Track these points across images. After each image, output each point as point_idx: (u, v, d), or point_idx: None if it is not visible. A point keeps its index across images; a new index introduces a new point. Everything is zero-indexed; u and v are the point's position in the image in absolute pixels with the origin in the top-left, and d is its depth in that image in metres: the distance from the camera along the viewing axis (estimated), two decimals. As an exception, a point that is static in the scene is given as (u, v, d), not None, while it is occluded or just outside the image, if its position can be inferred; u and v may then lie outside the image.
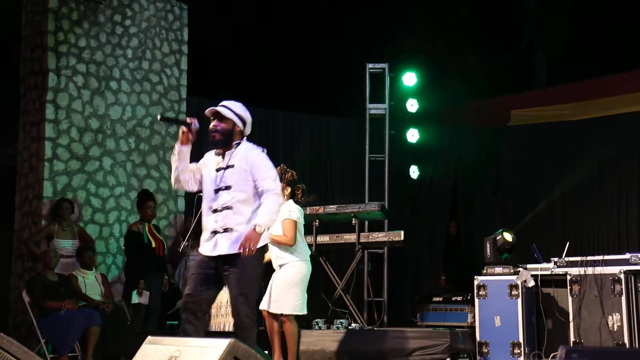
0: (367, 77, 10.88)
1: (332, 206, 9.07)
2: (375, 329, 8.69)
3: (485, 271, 8.64)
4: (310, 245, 7.91)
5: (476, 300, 8.55)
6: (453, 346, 7.92)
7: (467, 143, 11.69)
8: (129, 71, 9.76)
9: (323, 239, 8.96)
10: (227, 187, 5.03)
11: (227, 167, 5.09)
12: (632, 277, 7.84)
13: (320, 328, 8.31)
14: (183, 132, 5.15)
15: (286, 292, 6.62)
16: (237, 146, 5.15)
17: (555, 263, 8.35)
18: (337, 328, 8.27)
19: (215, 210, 5.05)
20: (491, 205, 11.37)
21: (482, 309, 8.49)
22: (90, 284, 8.33)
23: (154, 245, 8.53)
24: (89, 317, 7.85)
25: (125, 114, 9.68)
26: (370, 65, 10.88)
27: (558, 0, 11.70)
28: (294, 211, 6.81)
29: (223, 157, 5.14)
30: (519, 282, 8.35)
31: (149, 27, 9.96)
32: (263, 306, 6.69)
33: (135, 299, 8.24)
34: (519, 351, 8.22)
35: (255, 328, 5.09)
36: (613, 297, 7.84)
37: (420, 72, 11.22)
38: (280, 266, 6.71)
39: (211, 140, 5.15)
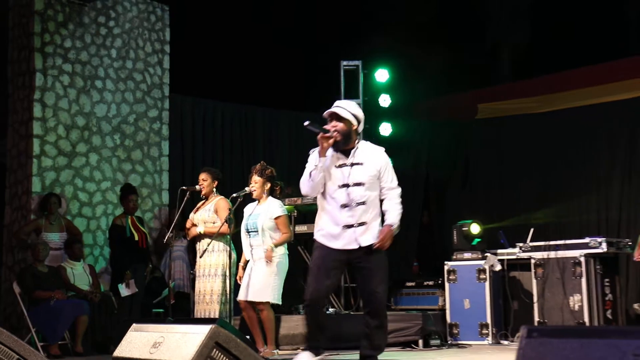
0: (342, 74, 10.90)
1: (310, 197, 9.07)
2: (352, 313, 8.72)
3: (454, 257, 8.72)
4: (290, 233, 7.93)
5: (446, 284, 8.64)
6: (425, 328, 8.00)
7: (438, 136, 11.72)
8: (113, 70, 9.71)
9: (301, 228, 8.95)
10: (359, 184, 5.02)
11: (354, 164, 5.06)
12: (592, 260, 7.96)
13: (300, 313, 8.33)
14: (325, 141, 5.01)
15: (270, 282, 6.62)
16: (358, 144, 5.15)
17: (520, 248, 8.45)
18: (316, 313, 8.29)
19: (346, 206, 5.01)
20: (461, 194, 11.42)
21: (452, 292, 8.59)
22: (78, 274, 8.30)
23: (136, 237, 8.50)
24: (77, 306, 7.83)
25: (110, 111, 9.63)
26: (345, 63, 10.89)
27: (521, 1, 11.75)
28: (283, 207, 6.85)
29: (346, 155, 5.10)
30: (486, 267, 8.43)
31: (132, 28, 9.91)
32: (241, 297, 6.68)
33: (122, 291, 8.21)
34: (486, 331, 8.31)
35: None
36: (574, 279, 7.96)
37: (392, 69, 11.23)
38: (264, 259, 6.67)
39: (332, 142, 5.02)
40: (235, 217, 6.87)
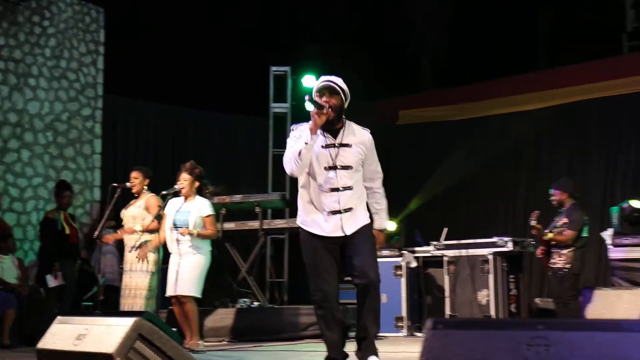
0: (271, 79, 10.93)
1: (237, 196, 9.03)
2: (275, 307, 8.71)
3: (373, 254, 8.78)
4: (217, 232, 7.88)
5: (365, 280, 8.69)
6: (344, 321, 8.00)
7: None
8: (47, 69, 9.48)
9: (229, 225, 8.90)
10: (346, 167, 4.36)
11: (342, 145, 4.37)
12: (499, 258, 8.13)
13: (226, 306, 8.30)
14: (319, 117, 4.25)
15: (197, 276, 6.56)
16: (345, 124, 4.44)
17: (434, 246, 8.57)
18: (241, 306, 8.27)
19: (332, 190, 4.35)
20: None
21: (371, 287, 8.64)
22: (6, 268, 8.04)
23: (67, 232, 8.32)
24: (5, 299, 7.59)
25: (43, 109, 9.41)
26: (274, 68, 10.92)
27: (441, 14, 11.94)
28: (212, 207, 6.78)
29: (334, 135, 4.38)
30: (403, 264, 8.53)
31: (67, 28, 9.70)
32: (170, 292, 6.58)
33: (49, 282, 8.02)
34: (402, 324, 8.42)
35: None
36: (482, 275, 8.11)
37: (319, 75, 11.26)
38: (191, 254, 6.58)
39: (326, 119, 4.27)
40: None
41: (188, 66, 10.61)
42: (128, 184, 6.99)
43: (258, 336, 7.70)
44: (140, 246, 6.69)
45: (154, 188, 7.18)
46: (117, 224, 7.40)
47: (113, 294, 8.69)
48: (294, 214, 9.49)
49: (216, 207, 7.74)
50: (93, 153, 9.85)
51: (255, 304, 8.43)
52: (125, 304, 6.63)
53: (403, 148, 11.47)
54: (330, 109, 4.28)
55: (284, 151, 11.12)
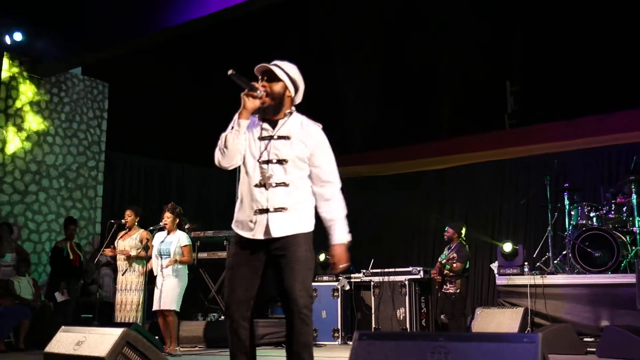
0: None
1: (210, 231, 8.97)
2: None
3: (316, 279, 8.75)
4: (193, 260, 7.78)
5: (309, 299, 8.62)
6: (252, 344, 7.87)
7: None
8: (62, 129, 9.36)
9: (202, 255, 8.82)
10: (281, 161, 3.06)
11: (280, 137, 3.09)
12: (413, 283, 8.18)
13: (198, 320, 8.15)
14: (250, 100, 3.04)
15: (178, 293, 6.47)
16: (289, 115, 3.17)
17: (363, 273, 8.58)
18: (211, 320, 8.13)
19: (262, 185, 3.05)
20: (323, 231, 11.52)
21: (314, 306, 8.57)
22: (23, 286, 7.83)
23: (72, 257, 8.18)
24: (21, 312, 7.40)
25: (57, 160, 9.26)
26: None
27: (370, 89, 12.11)
28: (189, 238, 6.72)
29: (272, 126, 3.13)
30: (339, 287, 8.52)
31: (79, 98, 9.62)
32: (156, 307, 6.47)
33: (57, 298, 7.83)
34: (337, 335, 8.36)
35: (311, 320, 3.04)
36: (400, 296, 8.14)
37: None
38: (172, 276, 6.49)
39: (260, 104, 3.07)
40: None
41: (172, 130, 10.55)
42: (123, 220, 6.91)
43: (224, 343, 7.55)
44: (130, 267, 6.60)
45: (143, 224, 7.09)
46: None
47: (108, 308, 8.49)
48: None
49: (193, 239, 7.66)
50: (96, 196, 9.69)
51: (223, 317, 8.30)
52: (119, 317, 6.50)
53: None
54: (265, 95, 3.07)
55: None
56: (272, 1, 6.87)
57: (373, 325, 8.23)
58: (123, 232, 6.90)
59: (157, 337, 6.66)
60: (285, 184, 3.06)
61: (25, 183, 8.87)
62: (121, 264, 6.74)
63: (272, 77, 3.11)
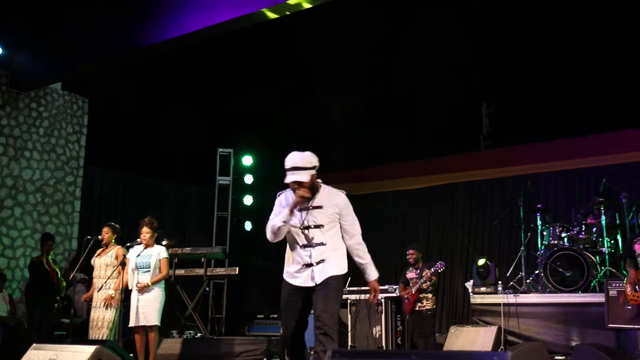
0: (218, 157, 10.98)
1: (187, 248, 8.95)
2: (215, 337, 8.54)
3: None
4: (170, 277, 7.75)
5: (286, 317, 8.60)
6: (269, 350, 7.89)
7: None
8: (40, 144, 9.30)
9: (180, 272, 8.79)
10: (319, 226, 4.00)
11: (315, 207, 4.03)
12: (389, 301, 8.19)
13: (174, 337, 8.09)
14: (298, 203, 4.01)
15: (158, 307, 6.41)
16: (319, 188, 4.09)
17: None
18: (187, 337, 8.08)
19: (306, 246, 4.01)
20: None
21: (290, 323, 8.54)
22: (-2, 303, 7.72)
23: (50, 273, 8.07)
24: (-6, 328, 7.27)
25: (34, 175, 9.18)
26: (220, 150, 10.99)
27: (351, 110, 12.21)
28: (167, 252, 6.68)
29: (307, 199, 4.04)
30: (315, 304, 8.49)
31: (58, 113, 9.57)
32: (133, 323, 6.39)
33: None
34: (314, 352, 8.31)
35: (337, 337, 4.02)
36: (376, 315, 8.13)
37: (255, 156, 11.41)
38: (149, 291, 6.43)
39: (302, 199, 4.02)
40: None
41: (152, 146, 10.54)
42: (100, 237, 6.86)
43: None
44: (101, 287, 6.51)
45: (120, 240, 7.05)
46: (88, 266, 7.16)
47: (82, 326, 8.39)
48: (232, 263, 9.53)
49: (170, 256, 7.64)
50: (73, 211, 9.61)
51: (199, 335, 8.26)
52: (93, 334, 6.40)
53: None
54: (304, 192, 3.98)
55: (225, 214, 11.08)
56: (255, 21, 6.93)
57: (349, 343, 8.22)
58: (100, 250, 6.86)
59: (131, 355, 6.62)
60: (323, 243, 4.01)
61: (1, 197, 8.77)
62: (96, 280, 6.68)
63: (300, 183, 3.98)
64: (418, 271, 7.37)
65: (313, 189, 4.03)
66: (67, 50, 8.26)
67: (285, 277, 4.10)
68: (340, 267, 4.06)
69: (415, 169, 10.54)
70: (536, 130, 9.25)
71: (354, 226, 4.14)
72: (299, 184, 3.98)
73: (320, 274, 3.97)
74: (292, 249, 4.09)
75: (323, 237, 4.01)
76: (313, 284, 3.97)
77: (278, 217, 4.02)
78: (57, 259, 9.03)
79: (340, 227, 4.11)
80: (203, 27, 7.03)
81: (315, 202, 4.04)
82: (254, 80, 10.87)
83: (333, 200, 4.06)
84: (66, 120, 9.68)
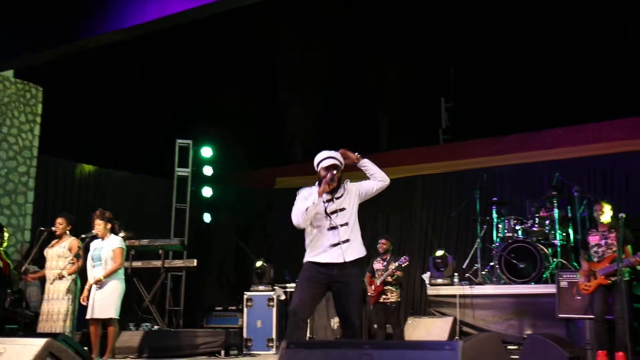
0: (177, 148, 10.81)
1: (145, 240, 8.81)
2: (173, 330, 8.45)
3: (252, 289, 8.72)
4: (127, 269, 7.61)
5: (245, 309, 8.60)
6: (227, 341, 7.88)
7: (246, 198, 11.79)
8: (-10, 133, 9.02)
9: (137, 264, 8.65)
10: (342, 209, 4.41)
11: (338, 198, 4.44)
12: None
13: (131, 330, 7.97)
14: (328, 186, 4.36)
15: (116, 299, 6.28)
16: (343, 182, 4.53)
17: (298, 283, 8.56)
18: (144, 329, 7.97)
19: (332, 228, 4.37)
20: (262, 241, 11.52)
21: (249, 315, 8.56)
22: (-55, 296, 7.43)
23: (1, 265, 7.80)
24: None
25: (-15, 165, 8.90)
26: (179, 141, 10.83)
27: (310, 103, 12.24)
28: (122, 242, 6.53)
29: (332, 191, 4.45)
30: (274, 296, 8.51)
31: (10, 101, 9.28)
32: (89, 315, 6.26)
33: None
34: (272, 344, 8.34)
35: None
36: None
37: (215, 147, 11.29)
38: (105, 284, 6.30)
39: (331, 187, 4.39)
40: (85, 253, 6.52)
41: (110, 135, 10.35)
42: (53, 228, 6.69)
43: (159, 354, 7.44)
44: (59, 278, 6.36)
45: (75, 232, 6.89)
46: (41, 258, 6.98)
47: (35, 319, 8.18)
48: (191, 255, 9.43)
49: (127, 248, 7.51)
50: (26, 202, 9.35)
51: (156, 327, 8.15)
52: (45, 327, 6.24)
53: (279, 206, 11.50)
54: (336, 178, 4.39)
55: (184, 206, 10.96)
56: (209, 13, 6.80)
57: (308, 334, 8.23)
58: (54, 241, 6.69)
59: (86, 348, 6.48)
60: (347, 224, 4.41)
61: (-50, 188, 8.48)
62: (49, 272, 6.52)
63: (336, 167, 4.43)
64: (385, 263, 7.40)
65: (339, 181, 4.45)
66: (17, 38, 7.96)
67: (311, 258, 4.40)
68: (361, 250, 4.48)
69: (375, 161, 10.57)
70: (493, 125, 9.41)
71: (367, 182, 4.59)
72: (336, 168, 4.41)
73: (347, 252, 4.35)
74: (317, 234, 4.41)
75: (346, 218, 4.42)
76: (342, 260, 4.31)
77: (308, 200, 4.37)
78: (9, 251, 8.77)
79: (365, 189, 4.55)
80: (161, 17, 6.88)
81: (339, 193, 4.46)
82: (214, 71, 10.77)
83: (348, 188, 4.51)
84: (19, 109, 9.40)
